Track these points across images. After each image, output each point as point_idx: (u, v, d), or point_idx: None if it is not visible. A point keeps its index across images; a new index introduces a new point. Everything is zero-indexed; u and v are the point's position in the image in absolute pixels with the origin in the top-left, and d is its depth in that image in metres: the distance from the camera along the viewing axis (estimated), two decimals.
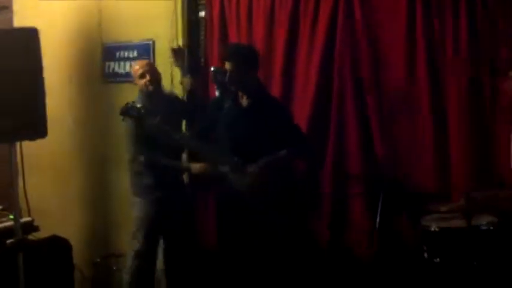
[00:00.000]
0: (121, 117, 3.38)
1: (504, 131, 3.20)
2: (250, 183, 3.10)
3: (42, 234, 3.53)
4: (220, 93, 3.30)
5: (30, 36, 2.93)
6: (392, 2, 3.49)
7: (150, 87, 3.53)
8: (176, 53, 3.77)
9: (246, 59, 3.19)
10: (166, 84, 3.82)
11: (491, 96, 3.28)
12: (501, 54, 3.25)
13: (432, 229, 2.70)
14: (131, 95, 3.65)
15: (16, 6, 4.77)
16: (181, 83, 3.87)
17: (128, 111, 3.27)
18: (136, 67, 3.62)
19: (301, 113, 3.66)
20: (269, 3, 3.81)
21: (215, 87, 3.46)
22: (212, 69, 3.30)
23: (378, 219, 2.96)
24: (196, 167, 3.50)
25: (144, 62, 3.75)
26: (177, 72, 3.91)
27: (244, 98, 3.23)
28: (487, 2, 3.24)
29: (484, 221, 2.65)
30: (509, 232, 2.60)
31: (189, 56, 3.92)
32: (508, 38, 3.22)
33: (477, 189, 2.73)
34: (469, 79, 3.32)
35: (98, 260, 4.20)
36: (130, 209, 3.67)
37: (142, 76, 3.55)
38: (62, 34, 4.50)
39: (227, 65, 3.17)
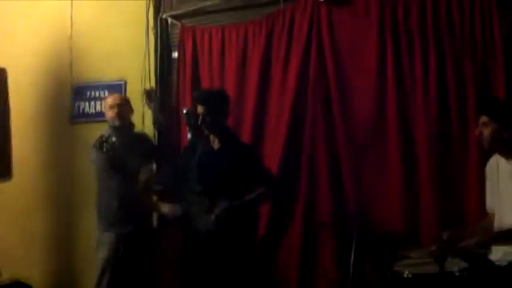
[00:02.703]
0: (89, 156, 3.36)
1: (473, 175, 3.24)
2: (213, 226, 3.08)
3: (4, 276, 3.39)
4: (192, 135, 3.30)
5: None
6: (363, 44, 3.55)
7: (116, 122, 3.51)
8: (149, 94, 3.74)
9: (218, 103, 3.24)
10: (137, 124, 3.77)
11: (460, 139, 3.33)
12: (469, 98, 3.31)
13: (405, 275, 2.67)
14: (99, 134, 3.58)
15: None
16: (154, 123, 3.83)
17: (102, 144, 3.23)
18: (109, 99, 3.63)
19: (272, 154, 3.66)
20: (241, 45, 3.85)
21: (187, 129, 3.44)
22: (184, 111, 3.30)
23: (351, 267, 2.91)
24: (165, 207, 3.44)
25: (118, 95, 3.74)
26: (149, 113, 3.87)
27: (216, 140, 3.25)
28: (454, 44, 3.33)
29: (455, 266, 2.63)
30: (481, 277, 2.58)
31: (161, 97, 3.89)
32: (475, 81, 3.30)
33: (450, 230, 2.71)
34: (438, 121, 3.37)
35: None
36: (96, 250, 3.56)
37: (111, 108, 3.54)
38: (31, 73, 4.43)
39: (199, 109, 3.20)
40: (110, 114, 3.55)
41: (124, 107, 3.58)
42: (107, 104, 3.61)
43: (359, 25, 3.58)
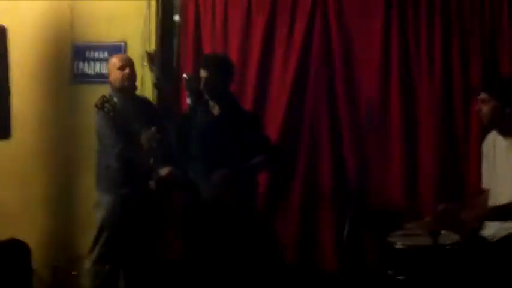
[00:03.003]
0: (91, 116, 3.31)
1: (475, 151, 3.26)
2: (215, 192, 3.10)
3: (1, 236, 3.42)
4: (192, 101, 3.29)
5: None
6: (368, 18, 3.52)
7: (127, 82, 3.47)
8: (151, 57, 3.71)
9: (222, 67, 3.22)
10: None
11: (463, 114, 3.34)
12: (474, 73, 3.30)
13: (397, 246, 2.72)
14: (100, 96, 3.57)
15: None
16: (155, 87, 3.81)
17: (103, 104, 3.21)
18: (115, 60, 3.55)
19: (274, 122, 3.67)
20: (245, 10, 3.79)
21: (187, 94, 3.43)
22: (185, 76, 3.28)
23: (344, 235, 2.95)
24: (164, 170, 3.45)
25: (123, 55, 3.69)
26: (148, 76, 3.85)
27: (216, 107, 3.24)
28: (463, 20, 3.29)
29: (448, 239, 2.67)
30: (472, 251, 2.63)
31: (162, 61, 3.86)
32: (481, 57, 3.29)
33: (446, 203, 2.75)
34: (442, 97, 3.37)
35: (57, 264, 4.10)
36: (93, 210, 3.59)
37: (122, 68, 3.48)
38: (31, 32, 4.37)
39: (202, 73, 3.18)
40: (117, 74, 3.48)
41: (132, 68, 3.54)
42: (113, 64, 3.52)
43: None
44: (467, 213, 2.63)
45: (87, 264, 3.55)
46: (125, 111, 3.28)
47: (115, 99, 3.26)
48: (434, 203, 3.08)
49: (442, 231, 2.63)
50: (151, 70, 3.69)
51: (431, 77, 3.38)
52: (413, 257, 2.69)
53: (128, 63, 3.53)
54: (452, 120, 3.38)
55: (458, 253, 2.60)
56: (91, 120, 3.61)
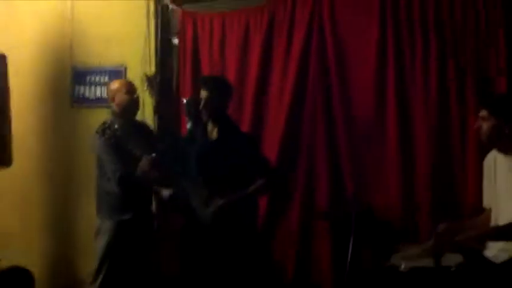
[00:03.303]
0: (89, 142, 3.34)
1: (471, 168, 3.25)
2: (212, 218, 3.11)
3: (2, 262, 3.42)
4: (192, 125, 3.31)
5: None
6: (364, 30, 3.53)
7: (134, 107, 3.50)
8: (150, 80, 3.73)
9: (222, 87, 3.25)
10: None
11: (459, 130, 3.34)
12: (469, 88, 3.31)
13: (401, 269, 2.70)
14: (100, 120, 3.57)
15: None
16: (154, 110, 3.82)
17: (105, 130, 3.24)
18: (117, 85, 3.54)
19: (272, 142, 3.67)
20: (242, 30, 3.83)
21: (186, 119, 3.45)
22: (185, 100, 3.31)
23: (349, 257, 2.94)
24: (164, 191, 3.46)
25: (124, 80, 3.70)
26: (149, 100, 3.86)
27: (215, 131, 3.24)
28: (456, 32, 3.31)
29: (452, 261, 2.66)
30: (477, 272, 2.61)
31: (162, 83, 3.88)
32: (476, 72, 3.29)
33: (446, 222, 2.73)
34: (438, 111, 3.37)
35: None
36: (95, 238, 3.55)
37: (129, 93, 3.48)
38: (32, 55, 4.41)
39: (202, 93, 3.20)
40: (124, 99, 3.46)
41: (136, 92, 3.56)
42: (118, 89, 3.50)
43: (360, 11, 3.55)
44: (468, 233, 2.62)
45: None
46: (126, 136, 3.29)
47: (116, 125, 3.26)
48: (431, 222, 3.07)
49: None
50: (151, 94, 3.72)
51: (427, 93, 3.38)
52: (417, 279, 2.67)
53: (134, 88, 3.55)
54: (449, 138, 3.38)
55: (462, 274, 2.58)
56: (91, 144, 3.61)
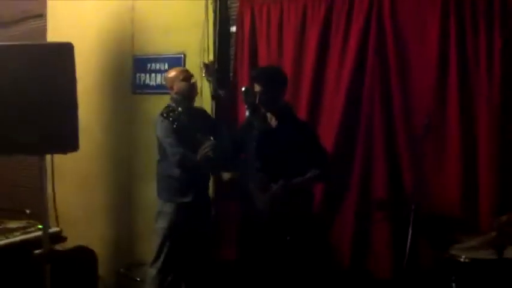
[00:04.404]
0: (153, 126, 3.43)
1: None
2: (271, 203, 3.14)
3: (68, 243, 3.57)
4: (250, 112, 3.34)
5: (66, 51, 2.97)
6: (425, 18, 3.44)
7: (194, 92, 3.59)
8: (208, 67, 3.79)
9: (275, 80, 3.24)
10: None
11: None
12: None
13: (462, 260, 2.66)
14: (161, 107, 3.67)
15: (50, 14, 4.86)
16: (212, 97, 3.88)
17: (169, 113, 3.32)
18: (174, 73, 3.64)
19: (329, 132, 3.64)
20: (300, 19, 3.80)
21: (245, 106, 3.48)
22: (243, 89, 3.34)
23: (408, 247, 2.92)
24: (227, 174, 3.51)
25: (180, 68, 3.78)
26: (207, 88, 3.93)
27: (273, 118, 3.28)
28: None
29: None
30: None
31: (220, 71, 3.93)
32: None
33: (507, 214, 2.67)
34: (501, 105, 3.27)
35: (122, 270, 4.22)
36: (156, 220, 3.65)
37: (186, 79, 3.57)
38: (94, 44, 4.57)
39: (256, 87, 3.22)
40: (183, 85, 3.56)
41: (193, 79, 3.65)
42: (176, 76, 3.60)
43: (422, 5, 3.47)
44: None
45: (152, 272, 3.60)
46: (187, 121, 3.36)
47: (179, 109, 3.35)
48: (493, 215, 2.99)
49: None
50: (209, 81, 3.77)
51: (490, 85, 3.27)
52: (478, 270, 2.63)
53: (190, 75, 3.64)
54: (511, 131, 3.26)
55: None
56: (151, 130, 3.71)
